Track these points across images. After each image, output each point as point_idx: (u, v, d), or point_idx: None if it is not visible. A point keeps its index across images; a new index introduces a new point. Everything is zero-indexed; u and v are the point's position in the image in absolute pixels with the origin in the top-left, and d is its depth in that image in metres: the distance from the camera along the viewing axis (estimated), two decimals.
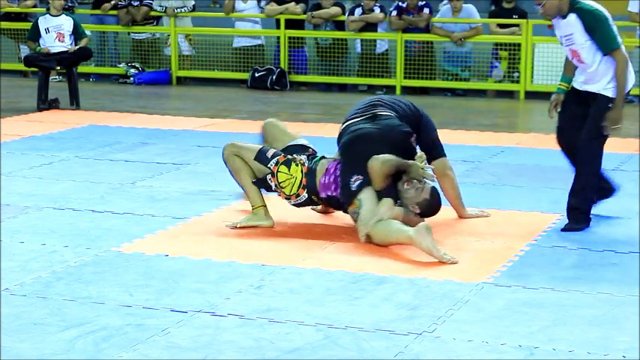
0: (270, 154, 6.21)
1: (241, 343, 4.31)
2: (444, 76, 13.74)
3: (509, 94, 13.61)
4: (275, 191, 6.28)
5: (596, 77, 6.44)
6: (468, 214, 6.57)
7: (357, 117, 6.27)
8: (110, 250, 5.78)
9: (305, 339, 4.37)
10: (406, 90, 13.69)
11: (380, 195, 5.94)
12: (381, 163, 5.89)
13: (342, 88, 14.37)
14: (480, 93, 13.76)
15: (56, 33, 12.05)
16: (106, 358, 4.16)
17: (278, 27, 14.20)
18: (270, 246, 5.90)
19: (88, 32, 12.91)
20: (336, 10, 13.90)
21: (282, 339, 4.37)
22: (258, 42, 14.47)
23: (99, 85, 14.66)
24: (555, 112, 6.73)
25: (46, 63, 11.92)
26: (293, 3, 14.08)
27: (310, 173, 6.17)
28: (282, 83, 13.97)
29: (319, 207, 6.57)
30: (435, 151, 6.45)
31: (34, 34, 12.14)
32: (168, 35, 14.69)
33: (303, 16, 14.04)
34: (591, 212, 6.38)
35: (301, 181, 6.18)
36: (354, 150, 6.09)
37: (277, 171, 6.18)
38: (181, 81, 14.79)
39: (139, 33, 14.91)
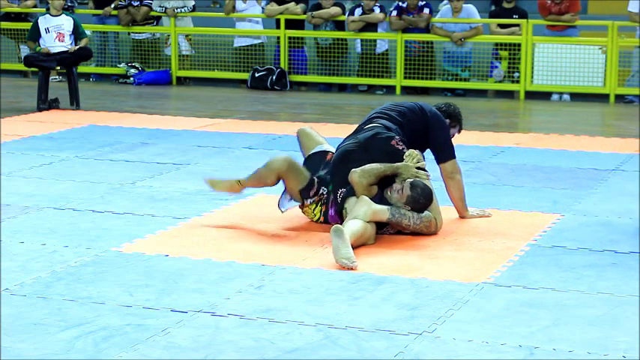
0: (312, 192, 6.31)
1: (241, 343, 4.31)
2: (444, 76, 13.74)
3: (509, 94, 13.62)
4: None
5: None
6: (469, 214, 6.57)
7: (349, 136, 6.45)
8: (110, 250, 5.78)
9: (305, 339, 4.37)
10: (406, 90, 13.70)
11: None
12: (358, 175, 6.01)
13: (342, 88, 14.37)
14: (480, 93, 13.76)
15: (56, 33, 12.05)
16: (106, 358, 4.16)
17: (278, 27, 14.20)
18: (270, 246, 5.90)
19: (88, 32, 12.92)
20: (336, 10, 13.91)
21: (282, 339, 4.37)
22: (259, 40, 14.47)
23: (99, 85, 14.67)
24: None
25: (46, 63, 11.91)
26: (293, 3, 14.09)
27: (325, 210, 6.35)
28: (282, 83, 13.97)
29: None
30: (443, 154, 6.46)
31: (34, 34, 12.14)
32: (169, 35, 14.69)
33: (303, 16, 14.05)
34: None
35: (319, 218, 6.38)
36: (336, 168, 6.25)
37: (306, 205, 6.37)
38: (181, 81, 14.79)
39: (139, 33, 14.91)
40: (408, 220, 5.97)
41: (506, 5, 13.57)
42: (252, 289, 5.06)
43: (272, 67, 14.08)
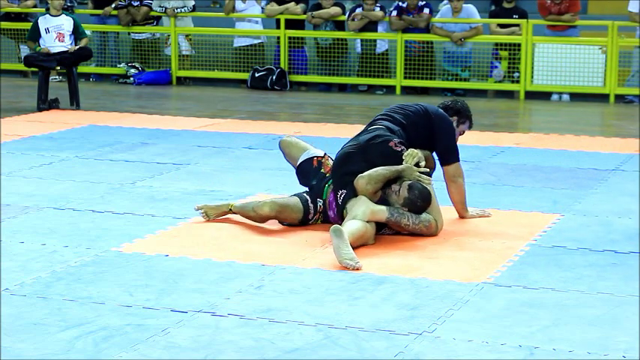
0: (311, 215, 6.31)
1: (241, 343, 4.31)
2: (444, 76, 13.74)
3: (509, 94, 13.62)
4: None
5: None
6: (469, 215, 6.57)
7: (352, 139, 6.46)
8: (110, 250, 5.78)
9: (305, 339, 4.37)
10: (406, 90, 13.70)
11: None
12: (365, 181, 6.01)
13: (342, 88, 14.37)
14: (480, 93, 13.75)
15: (56, 33, 12.05)
16: (106, 358, 4.16)
17: (278, 27, 14.20)
18: (270, 246, 5.90)
19: (88, 32, 12.92)
20: (336, 10, 13.91)
21: (282, 339, 4.37)
22: (259, 40, 14.47)
23: (99, 85, 14.67)
24: None
25: (46, 63, 11.91)
26: (293, 3, 14.08)
27: (323, 212, 6.35)
28: (282, 83, 13.97)
29: None
30: (446, 156, 6.46)
31: (34, 34, 12.14)
32: (169, 35, 14.69)
33: (303, 16, 14.04)
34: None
35: (319, 219, 6.37)
36: (336, 170, 6.26)
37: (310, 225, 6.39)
38: (181, 81, 14.79)
39: (139, 33, 14.91)
40: (407, 220, 5.97)
41: (506, 5, 13.57)
42: (252, 289, 5.06)
43: (272, 67, 14.08)
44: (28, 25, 13.43)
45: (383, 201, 6.04)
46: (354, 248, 5.56)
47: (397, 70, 13.64)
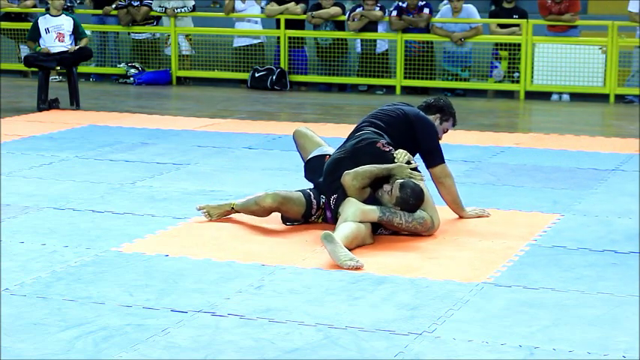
0: (314, 210, 6.29)
1: (241, 343, 4.31)
2: (444, 76, 13.74)
3: (509, 94, 13.62)
4: None
5: None
6: (467, 214, 6.56)
7: (339, 146, 6.48)
8: (110, 250, 5.78)
9: (305, 339, 4.37)
10: (406, 90, 13.70)
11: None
12: (351, 177, 6.01)
13: (342, 88, 14.37)
14: (480, 93, 13.76)
15: (56, 33, 12.05)
16: (106, 358, 4.16)
17: (278, 27, 14.20)
18: (270, 246, 5.90)
19: (88, 32, 12.92)
20: (336, 10, 13.91)
21: (282, 339, 4.37)
22: (258, 40, 14.47)
23: (99, 85, 14.67)
24: None
25: (46, 63, 11.92)
26: (293, 3, 14.08)
27: (324, 211, 6.35)
28: (282, 83, 13.97)
29: None
30: (431, 158, 6.43)
31: (34, 34, 12.14)
32: (169, 35, 14.69)
33: (303, 16, 14.04)
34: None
35: (321, 216, 6.36)
36: (327, 177, 6.26)
37: (312, 221, 6.37)
38: (181, 81, 14.79)
39: (139, 33, 14.91)
40: (400, 219, 5.96)
41: (506, 5, 13.57)
42: (252, 289, 5.06)
43: (272, 67, 14.08)
44: (28, 25, 13.43)
45: (375, 201, 6.03)
46: (351, 250, 5.56)
47: (397, 70, 13.64)
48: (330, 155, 6.47)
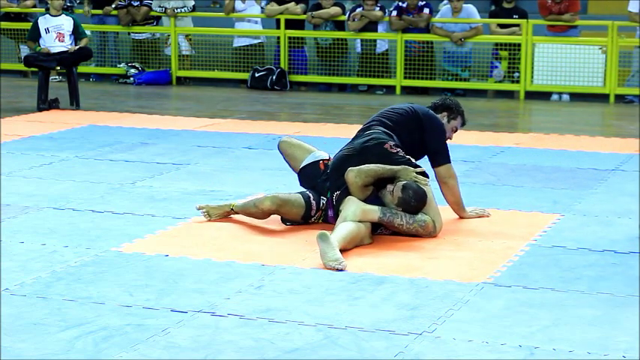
0: (314, 211, 6.29)
1: (241, 343, 4.31)
2: (443, 76, 13.74)
3: (509, 94, 13.62)
4: None
5: None
6: (468, 215, 6.56)
7: (347, 144, 6.47)
8: (110, 250, 5.78)
9: (305, 339, 4.37)
10: (406, 90, 13.70)
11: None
12: (354, 174, 6.02)
13: (342, 88, 14.37)
14: (480, 93, 13.76)
15: (56, 33, 12.05)
16: (106, 358, 4.16)
17: (278, 27, 14.20)
18: (270, 246, 5.90)
19: (88, 32, 12.92)
20: (336, 10, 13.91)
21: (282, 339, 4.37)
22: (258, 40, 14.47)
23: (99, 85, 14.66)
24: None
25: (46, 63, 11.91)
26: (293, 3, 14.08)
27: (325, 210, 6.34)
28: (282, 83, 13.97)
29: None
30: (437, 158, 6.44)
31: (34, 34, 12.14)
32: (169, 35, 14.69)
33: (303, 16, 14.04)
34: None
35: (320, 218, 6.35)
36: (332, 174, 6.27)
37: (312, 222, 6.37)
38: (181, 81, 14.79)
39: (139, 33, 14.91)
40: (401, 220, 5.95)
41: (506, 5, 13.57)
42: (252, 289, 5.06)
43: (272, 67, 14.08)
44: (27, 25, 13.43)
45: (378, 201, 6.03)
46: (350, 249, 5.56)
47: (397, 70, 13.64)
48: (323, 160, 6.47)
